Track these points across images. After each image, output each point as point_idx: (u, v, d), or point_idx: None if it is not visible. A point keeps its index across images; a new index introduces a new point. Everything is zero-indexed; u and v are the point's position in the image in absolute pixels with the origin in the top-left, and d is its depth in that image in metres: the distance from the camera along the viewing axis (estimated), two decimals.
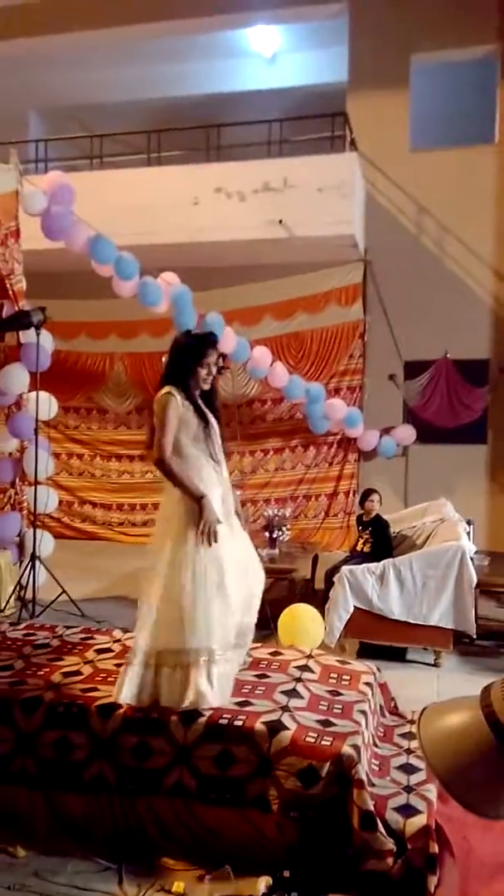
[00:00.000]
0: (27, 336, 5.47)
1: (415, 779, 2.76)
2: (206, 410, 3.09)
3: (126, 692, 2.83)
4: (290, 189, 7.31)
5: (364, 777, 2.52)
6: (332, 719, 2.78)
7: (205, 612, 2.85)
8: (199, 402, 3.08)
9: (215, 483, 3.04)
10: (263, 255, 7.89)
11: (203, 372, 3.08)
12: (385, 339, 8.23)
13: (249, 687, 3.01)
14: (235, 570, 3.01)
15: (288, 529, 6.18)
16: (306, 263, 7.93)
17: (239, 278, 8.03)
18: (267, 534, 5.98)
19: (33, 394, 5.47)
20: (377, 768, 2.79)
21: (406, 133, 8.32)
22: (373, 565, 4.62)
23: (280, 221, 7.25)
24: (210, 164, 7.98)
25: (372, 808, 2.46)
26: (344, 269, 8.15)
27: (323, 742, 2.60)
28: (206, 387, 3.12)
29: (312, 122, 8.35)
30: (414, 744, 3.04)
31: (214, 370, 3.12)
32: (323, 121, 8.19)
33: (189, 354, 3.07)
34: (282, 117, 8.28)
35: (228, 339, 6.52)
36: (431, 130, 8.35)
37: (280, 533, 5.98)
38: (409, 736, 3.15)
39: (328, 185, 7.25)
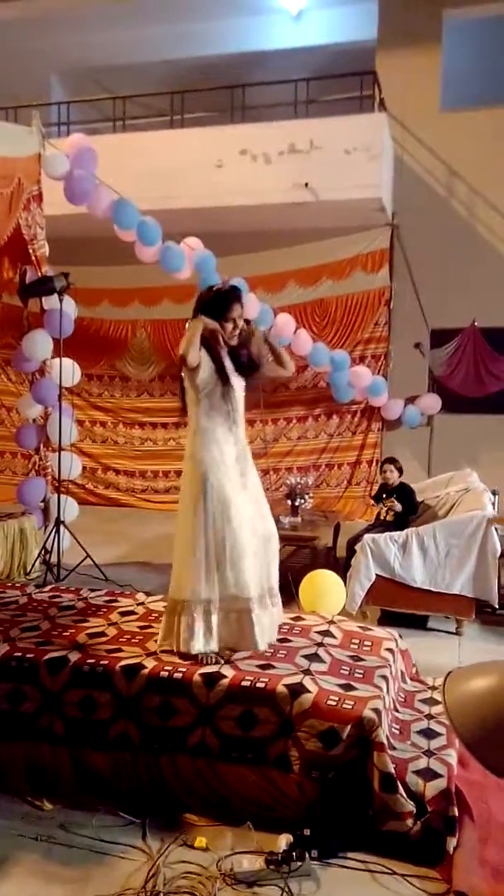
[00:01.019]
0: (50, 302, 5.46)
1: (435, 743, 2.78)
2: (228, 371, 3.06)
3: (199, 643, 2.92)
4: (317, 151, 7.14)
5: (385, 740, 2.54)
6: (353, 683, 2.80)
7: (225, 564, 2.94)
8: (224, 360, 3.05)
9: (230, 443, 3.05)
10: (288, 220, 7.76)
11: (229, 327, 3.05)
12: (411, 306, 8.09)
13: (271, 651, 3.04)
14: (250, 530, 3.04)
15: (310, 497, 6.17)
16: (332, 228, 7.78)
17: (263, 244, 7.91)
18: (289, 501, 5.98)
19: (57, 360, 5.48)
20: (398, 732, 2.80)
21: (437, 92, 8.07)
22: (396, 534, 4.61)
23: (306, 185, 7.11)
24: (234, 126, 7.82)
25: (392, 770, 2.49)
26: (370, 234, 7.99)
27: (344, 705, 2.62)
28: (233, 342, 3.09)
29: (340, 82, 8.12)
30: (435, 709, 3.05)
31: (240, 324, 3.08)
32: (351, 80, 7.96)
33: (213, 310, 3.04)
34: (308, 77, 8.06)
35: (252, 306, 6.46)
36: (463, 90, 8.08)
37: (302, 501, 5.98)
38: (429, 702, 3.16)
39: (356, 147, 7.07)
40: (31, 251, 5.36)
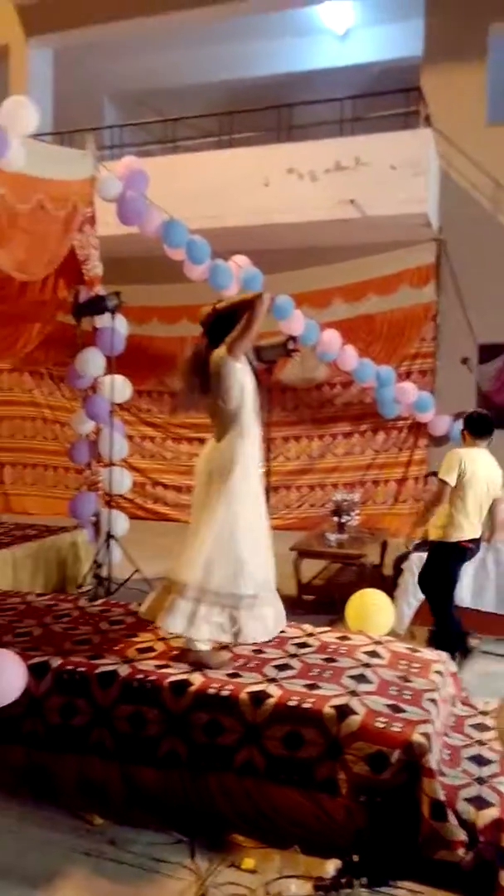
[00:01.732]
0: (102, 321, 5.59)
1: (487, 770, 2.72)
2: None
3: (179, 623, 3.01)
4: (363, 167, 7.15)
5: (435, 766, 2.51)
6: (401, 705, 2.77)
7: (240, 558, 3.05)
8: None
9: (256, 453, 3.24)
10: (334, 237, 7.78)
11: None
12: (458, 321, 8.00)
13: (317, 670, 3.03)
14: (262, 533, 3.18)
15: (357, 515, 6.13)
16: (378, 244, 7.77)
17: (309, 260, 7.94)
18: (335, 518, 5.95)
19: (108, 377, 5.60)
20: (448, 758, 2.76)
21: (483, 107, 8.00)
22: None
23: (352, 201, 7.12)
24: (281, 145, 7.90)
25: (442, 797, 2.45)
26: (417, 249, 7.94)
27: (393, 728, 2.59)
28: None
29: (386, 99, 8.14)
30: (486, 735, 2.99)
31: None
32: (396, 97, 7.96)
33: (228, 323, 3.17)
34: (354, 95, 8.10)
35: (297, 322, 6.48)
36: None
37: (349, 518, 5.94)
38: (480, 727, 3.10)
39: (401, 163, 7.06)
40: (84, 272, 5.50)
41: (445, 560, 4.11)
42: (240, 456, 3.13)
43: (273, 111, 8.27)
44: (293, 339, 4.40)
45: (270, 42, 9.47)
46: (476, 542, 4.14)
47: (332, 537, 5.76)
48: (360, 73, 9.17)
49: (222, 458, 3.16)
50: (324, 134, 7.80)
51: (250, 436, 3.20)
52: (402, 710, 2.72)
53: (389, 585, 4.82)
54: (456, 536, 4.04)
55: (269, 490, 5.23)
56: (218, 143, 8.48)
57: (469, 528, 4.05)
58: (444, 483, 3.98)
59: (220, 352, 3.15)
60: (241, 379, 3.17)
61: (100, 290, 5.64)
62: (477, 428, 4.16)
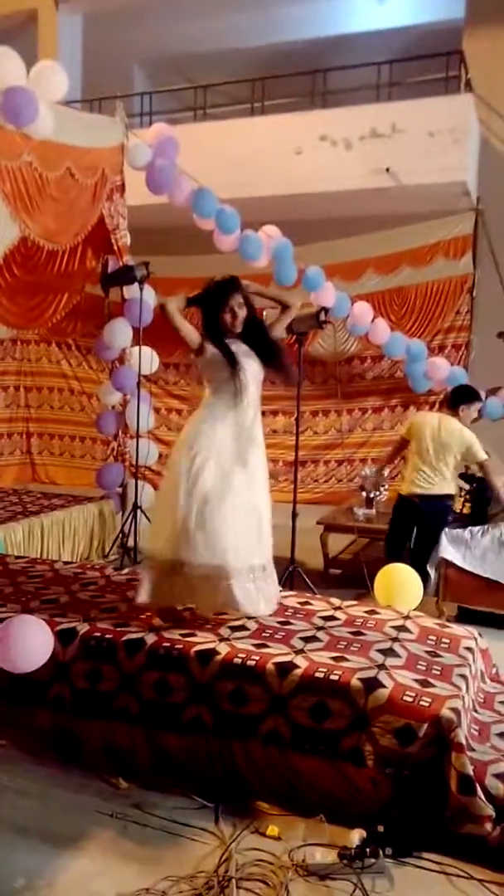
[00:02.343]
0: (131, 291, 5.55)
1: None
2: (240, 355, 3.16)
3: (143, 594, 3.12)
4: (399, 135, 6.96)
5: (463, 741, 2.47)
6: (430, 680, 2.73)
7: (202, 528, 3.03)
8: (230, 346, 3.17)
9: (229, 420, 3.14)
10: (368, 206, 7.61)
11: (228, 318, 3.15)
12: (496, 293, 7.77)
13: (345, 643, 3.00)
14: (242, 506, 3.11)
15: (385, 490, 6.06)
16: (413, 214, 7.58)
17: (341, 231, 7.78)
18: (364, 493, 5.90)
19: (136, 349, 5.57)
20: (477, 734, 2.72)
21: None
22: (476, 528, 4.48)
23: (387, 169, 6.95)
24: (314, 112, 7.72)
25: (471, 772, 2.41)
26: (453, 219, 7.72)
27: (421, 702, 2.56)
28: (237, 330, 3.20)
29: (424, 64, 7.89)
30: None
31: (241, 313, 3.16)
32: (436, 61, 7.71)
33: (212, 301, 3.17)
34: (392, 59, 7.85)
35: (329, 294, 6.37)
36: None
37: (377, 493, 5.89)
38: None
39: (440, 130, 6.86)
40: (113, 241, 5.45)
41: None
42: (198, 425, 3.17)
43: (306, 77, 8.06)
44: (326, 310, 4.33)
45: (304, 6, 9.21)
46: (419, 497, 4.61)
47: (360, 512, 5.71)
48: (398, 37, 8.88)
49: (186, 427, 3.27)
50: (359, 100, 7.60)
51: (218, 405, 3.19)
52: (432, 685, 2.69)
53: (413, 559, 4.76)
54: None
55: (297, 464, 5.17)
56: (249, 110, 8.30)
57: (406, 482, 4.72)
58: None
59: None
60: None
61: (128, 259, 5.59)
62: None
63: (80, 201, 4.90)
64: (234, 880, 2.22)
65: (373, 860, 2.29)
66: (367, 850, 2.30)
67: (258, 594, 3.16)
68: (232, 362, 3.13)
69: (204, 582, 3.06)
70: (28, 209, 4.34)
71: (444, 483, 4.60)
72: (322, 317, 4.24)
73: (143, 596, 3.14)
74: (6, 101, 3.88)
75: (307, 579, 4.60)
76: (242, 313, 3.18)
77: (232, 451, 3.13)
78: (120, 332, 5.63)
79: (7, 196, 4.14)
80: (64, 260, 5.26)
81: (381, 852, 2.30)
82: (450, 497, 4.68)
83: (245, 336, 3.22)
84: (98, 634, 3.02)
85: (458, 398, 4.77)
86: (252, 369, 3.20)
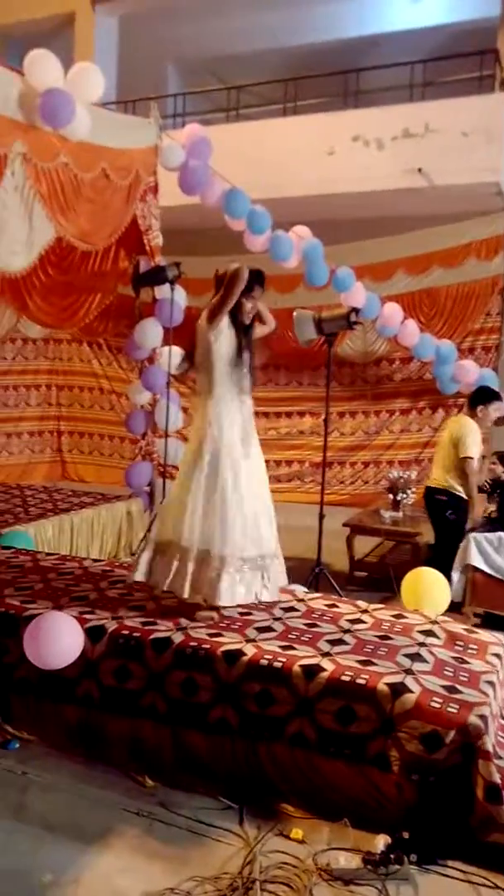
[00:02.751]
0: (162, 292, 5.57)
1: None
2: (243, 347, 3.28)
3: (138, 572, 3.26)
4: (432, 134, 6.91)
5: (491, 748, 2.45)
6: (458, 686, 2.71)
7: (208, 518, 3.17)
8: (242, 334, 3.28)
9: (235, 412, 3.27)
10: (400, 207, 7.56)
11: (248, 305, 3.26)
12: None
13: (371, 647, 2.99)
14: (250, 498, 3.23)
15: (412, 493, 6.02)
16: (444, 215, 7.51)
17: (372, 231, 7.74)
18: (390, 496, 5.87)
19: (166, 348, 5.60)
20: None
21: None
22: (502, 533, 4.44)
23: (419, 170, 6.89)
24: (346, 112, 7.69)
25: (498, 780, 2.40)
26: (486, 219, 7.62)
27: (449, 709, 2.54)
28: (247, 321, 3.31)
29: (458, 63, 7.81)
30: None
31: (254, 308, 3.30)
32: (470, 60, 7.63)
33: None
34: (425, 58, 7.79)
35: (359, 295, 6.34)
36: None
37: (404, 496, 5.85)
38: None
39: (474, 130, 6.78)
40: (145, 241, 5.48)
41: None
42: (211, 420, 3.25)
43: (339, 77, 8.03)
44: (356, 311, 4.31)
45: (337, 5, 9.17)
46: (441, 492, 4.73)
47: (387, 515, 5.68)
48: (432, 36, 8.81)
49: (195, 427, 3.36)
50: (392, 100, 7.55)
51: (223, 399, 3.27)
52: (459, 692, 2.67)
53: (440, 565, 4.72)
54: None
55: (325, 465, 5.16)
56: (282, 110, 8.30)
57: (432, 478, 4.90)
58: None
59: (202, 317, 3.32)
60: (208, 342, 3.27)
61: (160, 260, 5.62)
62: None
63: (114, 202, 4.94)
64: (258, 882, 2.23)
65: (397, 867, 2.28)
66: (392, 856, 2.30)
67: (252, 583, 3.25)
68: (250, 353, 3.28)
69: (197, 566, 3.18)
70: (63, 210, 4.38)
71: (443, 477, 4.74)
72: (352, 318, 4.23)
73: (138, 574, 3.27)
74: (44, 102, 3.93)
75: (333, 581, 4.60)
76: (255, 307, 3.32)
77: (239, 442, 3.27)
78: (150, 332, 5.66)
79: (43, 197, 4.18)
80: (97, 260, 5.31)
81: (405, 859, 2.30)
82: (446, 492, 4.71)
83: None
84: (126, 632, 3.05)
85: (475, 398, 4.89)
86: (248, 359, 3.33)
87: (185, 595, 3.19)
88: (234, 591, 3.19)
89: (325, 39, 9.40)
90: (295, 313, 4.57)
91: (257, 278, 3.28)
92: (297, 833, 2.47)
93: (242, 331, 3.32)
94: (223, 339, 3.26)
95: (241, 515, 3.21)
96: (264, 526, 3.31)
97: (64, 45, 8.96)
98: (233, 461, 3.23)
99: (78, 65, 4.37)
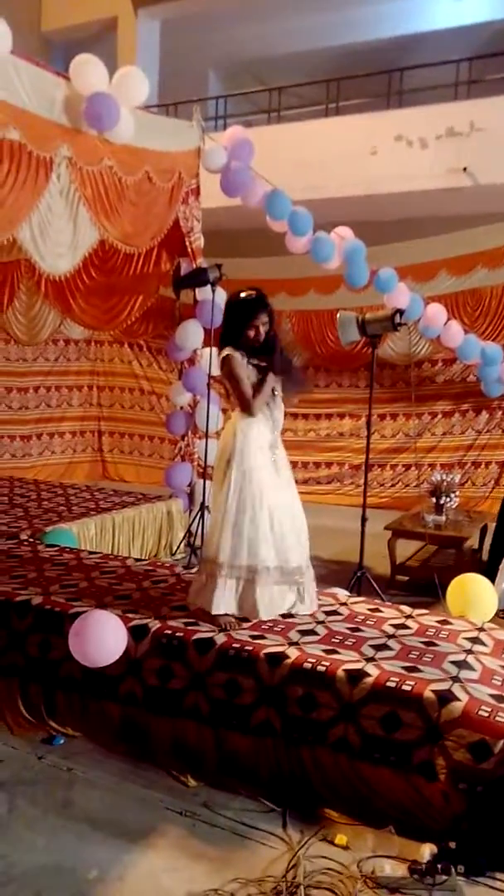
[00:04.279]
0: (203, 293, 5.60)
1: None
2: (262, 364, 3.24)
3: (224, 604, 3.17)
4: (477, 133, 6.81)
5: None
6: None
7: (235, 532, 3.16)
8: (253, 358, 3.25)
9: (265, 433, 3.27)
10: (443, 206, 7.47)
11: (251, 333, 3.20)
12: None
13: (417, 653, 2.95)
14: (279, 511, 3.23)
15: (457, 496, 5.92)
16: (490, 214, 7.39)
17: (415, 232, 7.66)
18: (433, 499, 5.78)
19: (207, 350, 5.62)
20: None
21: None
22: None
23: (464, 169, 6.79)
24: (389, 112, 7.63)
25: None
26: None
27: (497, 718, 2.48)
28: (258, 345, 3.25)
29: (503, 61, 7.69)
30: None
31: (264, 329, 3.22)
32: None
33: (239, 316, 3.23)
34: (470, 56, 7.68)
35: (402, 296, 6.27)
36: None
37: (448, 499, 5.75)
38: None
39: None
40: (187, 244, 5.52)
41: None
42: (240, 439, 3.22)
43: (382, 77, 7.97)
44: (400, 312, 4.26)
45: (380, 4, 9.11)
46: None
47: (430, 518, 5.59)
48: (477, 33, 8.69)
49: (223, 441, 3.33)
50: (436, 99, 7.47)
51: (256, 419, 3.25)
52: None
53: (486, 571, 4.63)
54: None
55: (367, 468, 5.10)
56: (324, 111, 8.27)
57: None
58: None
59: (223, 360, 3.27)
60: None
61: (201, 262, 5.65)
62: None
63: (156, 205, 4.98)
64: (302, 887, 2.21)
65: (444, 877, 2.24)
66: (439, 866, 2.25)
67: (287, 595, 3.27)
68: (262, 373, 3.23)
69: (242, 584, 3.18)
70: (107, 213, 4.43)
71: None
72: (397, 319, 4.18)
73: (203, 601, 3.19)
74: (90, 106, 3.98)
75: (375, 585, 4.55)
76: (265, 330, 3.25)
77: (267, 458, 3.25)
78: (192, 334, 5.69)
79: (88, 200, 4.24)
80: (139, 262, 5.36)
81: (453, 870, 2.25)
82: None
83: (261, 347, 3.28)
84: (169, 632, 3.06)
85: None
86: (270, 377, 3.28)
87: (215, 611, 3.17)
88: (270, 603, 3.20)
89: (366, 39, 9.36)
90: (339, 314, 4.54)
91: (258, 305, 3.21)
92: (341, 839, 2.44)
93: (259, 356, 3.25)
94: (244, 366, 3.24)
95: (271, 529, 3.20)
96: (293, 537, 3.29)
97: (106, 49, 9.08)
98: (259, 474, 3.20)
99: (123, 69, 4.42)
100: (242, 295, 3.29)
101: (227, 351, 3.24)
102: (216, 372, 5.76)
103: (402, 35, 9.20)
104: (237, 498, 3.18)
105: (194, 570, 4.11)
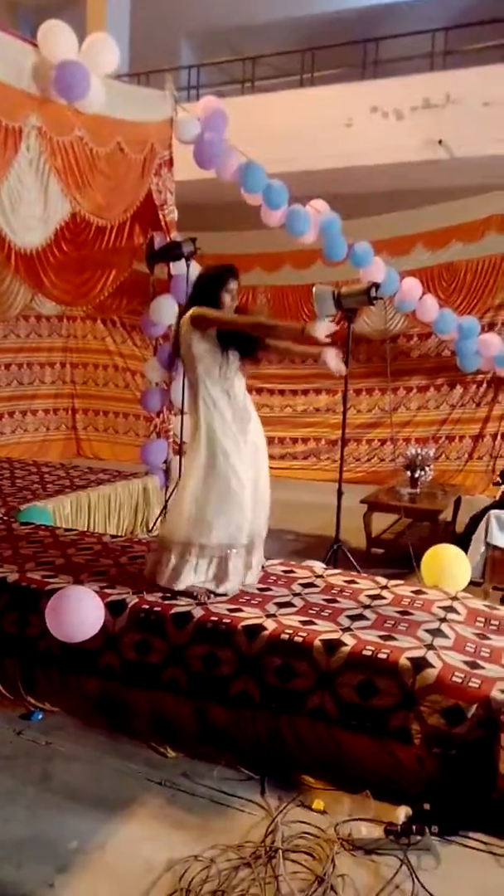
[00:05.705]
0: (177, 267, 5.53)
1: None
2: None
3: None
4: (453, 105, 6.76)
5: None
6: (479, 662, 2.71)
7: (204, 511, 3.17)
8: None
9: (225, 406, 3.23)
10: (419, 180, 7.43)
11: (227, 298, 3.22)
12: None
13: (392, 622, 2.99)
14: (249, 487, 3.22)
15: (431, 470, 5.99)
16: (466, 187, 7.37)
17: (390, 205, 7.62)
18: (408, 473, 5.84)
19: None
20: None
21: None
22: None
23: (440, 141, 6.76)
24: (364, 82, 7.54)
25: None
26: None
27: (470, 683, 2.54)
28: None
29: (480, 31, 7.62)
30: None
31: (235, 301, 3.25)
32: (492, 28, 7.44)
33: (212, 284, 3.23)
34: (446, 26, 7.60)
35: (378, 270, 6.25)
36: None
37: (422, 473, 5.82)
38: None
39: (496, 100, 6.62)
40: (161, 217, 5.43)
41: None
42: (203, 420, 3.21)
43: (357, 47, 7.87)
44: (376, 286, 4.25)
45: None
46: None
47: (405, 492, 5.66)
48: (453, 3, 8.59)
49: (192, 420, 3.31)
50: (412, 69, 7.39)
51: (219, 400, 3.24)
52: (480, 667, 2.66)
53: (460, 543, 4.71)
54: None
55: (343, 443, 5.12)
56: (298, 81, 8.15)
57: None
58: None
59: (186, 320, 3.21)
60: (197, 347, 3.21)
61: (175, 235, 5.57)
62: None
63: (129, 176, 4.89)
64: (280, 851, 2.25)
65: (419, 837, 2.30)
66: (414, 827, 2.31)
67: (246, 568, 3.32)
68: (224, 341, 3.18)
69: (214, 562, 3.21)
70: (79, 185, 4.34)
71: None
72: (373, 293, 4.17)
73: (165, 579, 3.21)
74: (59, 75, 3.87)
75: (351, 558, 4.59)
76: (236, 301, 3.27)
77: (234, 432, 3.23)
78: (166, 309, 5.63)
79: (59, 171, 4.14)
80: (112, 236, 5.26)
81: (427, 830, 2.31)
82: None
83: None
84: (147, 607, 3.07)
85: None
86: (234, 354, 3.25)
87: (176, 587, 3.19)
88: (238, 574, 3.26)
89: (342, 8, 9.23)
90: (315, 288, 4.52)
91: (229, 272, 3.24)
92: (318, 804, 2.49)
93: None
94: (206, 339, 3.18)
95: (238, 505, 3.20)
96: (259, 511, 3.32)
97: (75, 15, 8.82)
98: (229, 454, 3.19)
99: (92, 36, 4.29)
100: (213, 267, 3.32)
101: (194, 308, 3.19)
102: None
103: (378, 4, 9.08)
104: (202, 474, 3.17)
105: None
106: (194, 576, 3.20)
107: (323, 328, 3.00)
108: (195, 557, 3.19)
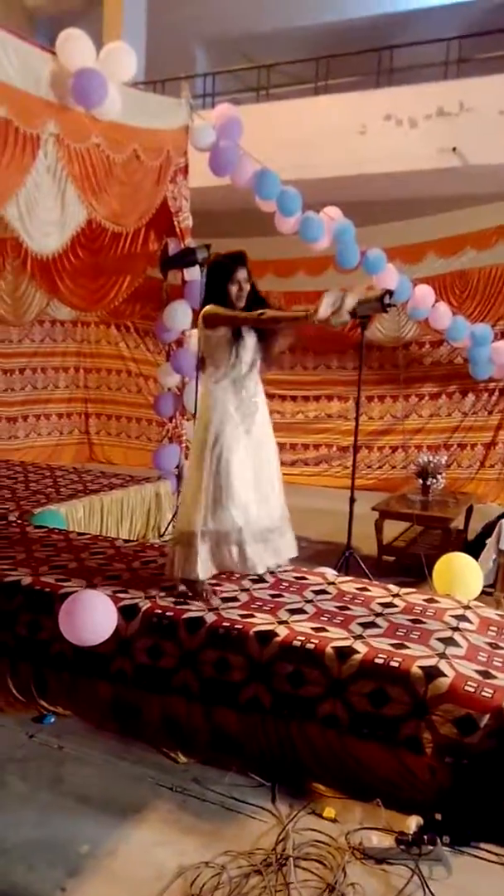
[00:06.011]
0: (191, 274, 5.56)
1: None
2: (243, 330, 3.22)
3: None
4: (467, 113, 6.76)
5: None
6: (492, 671, 2.70)
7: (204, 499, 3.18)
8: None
9: (230, 399, 3.24)
10: (433, 187, 7.43)
11: (234, 289, 3.19)
12: None
13: (404, 630, 2.99)
14: (250, 474, 3.23)
15: (443, 478, 5.97)
16: (479, 195, 7.36)
17: (404, 212, 7.62)
18: (420, 480, 5.82)
19: (195, 331, 5.58)
20: None
21: None
22: None
23: (453, 149, 6.76)
24: (378, 90, 7.56)
25: None
26: None
27: (483, 693, 2.53)
28: (241, 304, 3.23)
29: (494, 39, 7.62)
30: None
31: (246, 288, 3.21)
32: None
33: (219, 274, 3.23)
34: (461, 34, 7.62)
35: (391, 277, 6.26)
36: None
37: (434, 481, 5.80)
38: None
39: None
40: (175, 223, 5.47)
41: None
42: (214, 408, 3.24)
43: (371, 55, 7.89)
44: (390, 293, 4.25)
45: None
46: None
47: (417, 499, 5.65)
48: (468, 11, 8.61)
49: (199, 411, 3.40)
50: (426, 78, 7.41)
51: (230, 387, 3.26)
52: (493, 677, 2.65)
53: (470, 550, 4.69)
54: None
55: (356, 449, 5.12)
56: (313, 89, 8.18)
57: None
58: None
59: (199, 318, 3.25)
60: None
61: (189, 242, 5.60)
62: None
63: (145, 184, 4.93)
64: (291, 859, 2.25)
65: (430, 847, 2.29)
66: (425, 837, 2.30)
67: (266, 552, 3.31)
68: (236, 333, 3.20)
69: (218, 548, 3.22)
70: (95, 191, 4.37)
71: None
72: (386, 300, 4.18)
73: (180, 570, 3.24)
74: (77, 82, 3.92)
75: (363, 565, 4.59)
76: (247, 287, 3.24)
77: (237, 424, 3.24)
78: (180, 315, 5.66)
79: (76, 178, 4.18)
80: (127, 242, 5.31)
81: (438, 840, 2.30)
82: None
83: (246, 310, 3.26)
84: (159, 611, 3.08)
85: None
86: (251, 342, 3.27)
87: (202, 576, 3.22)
88: (260, 557, 3.27)
89: (356, 16, 9.24)
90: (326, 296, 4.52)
91: (237, 260, 3.23)
92: (329, 812, 2.49)
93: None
94: (216, 335, 3.21)
95: (245, 492, 3.22)
96: (272, 500, 3.35)
97: (92, 23, 8.90)
98: (232, 443, 3.21)
99: (110, 44, 4.34)
100: (223, 254, 3.32)
101: (208, 306, 3.22)
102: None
103: (393, 12, 9.11)
104: (210, 466, 3.19)
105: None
106: (210, 564, 3.21)
107: (327, 305, 2.96)
108: (203, 544, 3.19)
